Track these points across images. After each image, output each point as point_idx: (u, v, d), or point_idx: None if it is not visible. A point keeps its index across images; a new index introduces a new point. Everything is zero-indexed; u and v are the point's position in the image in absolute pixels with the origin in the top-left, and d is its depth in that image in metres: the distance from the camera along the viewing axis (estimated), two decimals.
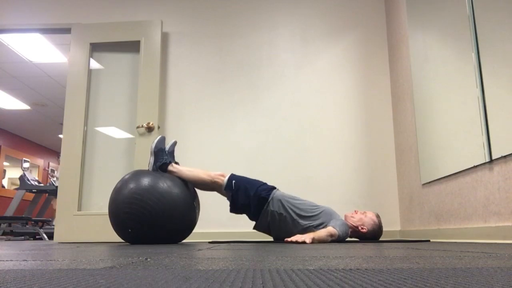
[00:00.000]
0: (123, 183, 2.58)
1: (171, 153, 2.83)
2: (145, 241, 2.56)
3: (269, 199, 2.70)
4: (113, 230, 3.51)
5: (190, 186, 2.74)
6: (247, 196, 2.69)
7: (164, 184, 2.55)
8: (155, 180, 2.55)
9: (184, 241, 3.40)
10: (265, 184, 2.80)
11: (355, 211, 2.86)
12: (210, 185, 2.75)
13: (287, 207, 2.70)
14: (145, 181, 2.54)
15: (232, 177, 2.76)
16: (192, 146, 3.85)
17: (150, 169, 2.71)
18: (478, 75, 2.30)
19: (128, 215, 2.48)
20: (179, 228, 2.60)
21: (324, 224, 2.67)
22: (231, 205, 2.75)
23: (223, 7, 4.12)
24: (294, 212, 2.70)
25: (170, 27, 4.09)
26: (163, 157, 2.73)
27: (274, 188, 2.78)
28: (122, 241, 3.48)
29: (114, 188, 2.64)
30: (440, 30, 2.81)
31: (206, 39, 4.06)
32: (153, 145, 2.75)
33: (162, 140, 2.80)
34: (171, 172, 2.70)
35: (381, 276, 0.65)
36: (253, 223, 2.82)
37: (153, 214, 2.47)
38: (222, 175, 2.77)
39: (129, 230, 2.50)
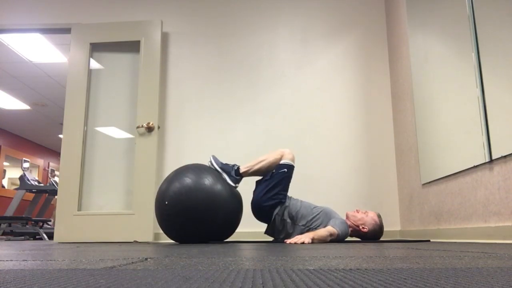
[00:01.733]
0: (182, 176, 2.65)
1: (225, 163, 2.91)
2: (193, 238, 2.63)
3: (282, 206, 2.75)
4: (112, 231, 3.51)
5: (236, 191, 2.81)
6: (273, 187, 2.73)
7: (211, 182, 2.63)
8: (199, 177, 2.63)
9: None
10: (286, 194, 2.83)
11: (356, 210, 2.86)
12: (278, 161, 2.80)
13: (288, 211, 2.73)
14: (205, 179, 2.63)
15: (290, 167, 2.78)
16: (192, 146, 3.85)
17: (232, 183, 2.75)
18: (478, 75, 2.30)
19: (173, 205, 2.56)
20: (225, 229, 2.69)
21: (323, 224, 2.68)
22: (265, 177, 2.79)
23: (223, 7, 4.12)
24: (294, 215, 2.72)
25: (170, 27, 4.09)
26: (230, 167, 2.79)
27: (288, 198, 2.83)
28: (122, 241, 3.48)
29: (168, 180, 2.71)
30: (440, 30, 2.81)
31: (206, 39, 4.06)
32: (215, 165, 2.80)
33: (216, 158, 2.87)
34: (245, 172, 2.78)
35: (381, 276, 0.65)
36: (255, 220, 2.83)
37: (199, 209, 2.54)
38: (281, 153, 2.82)
39: (166, 202, 2.54)
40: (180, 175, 2.65)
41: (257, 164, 2.80)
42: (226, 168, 2.78)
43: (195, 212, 2.53)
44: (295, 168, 2.84)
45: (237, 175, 2.76)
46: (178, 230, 2.61)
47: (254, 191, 2.80)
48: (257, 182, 2.84)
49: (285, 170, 2.76)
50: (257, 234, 3.47)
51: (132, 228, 3.49)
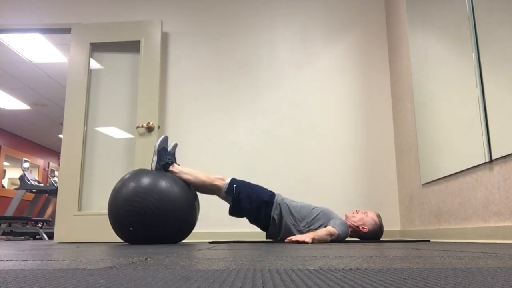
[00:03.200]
0: (123, 182, 2.58)
1: (173, 154, 2.83)
2: (146, 241, 2.56)
3: (274, 204, 2.71)
4: (113, 230, 3.51)
5: (191, 186, 2.74)
6: (249, 199, 2.69)
7: (165, 183, 2.55)
8: (156, 179, 2.55)
9: (184, 241, 3.40)
10: (265, 189, 2.80)
11: (356, 210, 2.86)
12: (209, 188, 2.74)
13: (287, 212, 2.72)
14: (146, 180, 2.54)
15: (233, 181, 2.75)
16: (192, 146, 3.85)
17: (154, 168, 2.70)
18: (478, 75, 2.30)
19: (130, 213, 2.48)
20: (179, 228, 2.59)
21: (323, 225, 2.68)
22: (231, 209, 2.74)
23: (223, 7, 4.12)
24: (294, 216, 2.72)
25: (170, 27, 4.09)
26: (166, 157, 2.73)
27: (274, 193, 2.80)
28: (122, 241, 3.48)
29: (114, 188, 2.63)
30: (440, 30, 2.81)
31: (206, 39, 4.06)
32: (157, 144, 2.75)
33: (165, 140, 2.80)
34: (172, 172, 2.70)
35: (381, 276, 0.65)
36: (252, 225, 2.83)
37: (155, 213, 2.47)
38: (222, 179, 2.76)
39: (131, 228, 2.50)
40: (136, 177, 2.59)
41: (187, 174, 2.69)
42: (162, 154, 2.72)
43: (148, 214, 2.47)
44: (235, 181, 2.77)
45: (164, 169, 2.69)
46: (133, 235, 2.56)
47: (249, 218, 2.77)
48: (237, 214, 2.76)
49: (235, 185, 2.71)
50: (257, 234, 3.47)
51: None
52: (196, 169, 2.88)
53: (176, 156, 3.82)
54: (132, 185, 2.53)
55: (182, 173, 2.70)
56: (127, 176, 2.64)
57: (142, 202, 2.47)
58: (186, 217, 2.60)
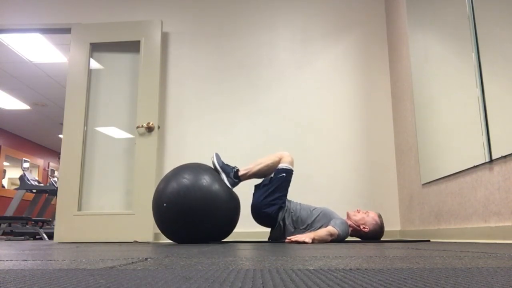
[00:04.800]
0: (166, 182, 2.64)
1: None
2: (191, 239, 2.62)
3: (282, 211, 2.74)
4: (112, 231, 3.51)
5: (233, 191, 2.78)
6: (273, 192, 2.71)
7: (209, 182, 2.61)
8: (197, 177, 2.62)
9: None
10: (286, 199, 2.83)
11: (357, 210, 2.86)
12: (277, 165, 2.78)
13: (289, 216, 2.74)
14: (187, 179, 2.61)
15: (288, 172, 2.77)
16: (192, 146, 3.85)
17: (229, 185, 2.73)
18: (478, 75, 2.30)
19: (176, 213, 2.55)
20: (224, 226, 2.66)
21: (323, 225, 2.68)
22: (264, 181, 2.78)
23: (223, 7, 4.12)
24: (294, 220, 2.73)
25: (170, 27, 4.09)
26: (230, 168, 2.77)
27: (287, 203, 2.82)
28: (122, 241, 3.48)
29: (157, 189, 2.70)
30: (440, 30, 2.81)
31: (206, 39, 4.06)
32: (216, 163, 2.78)
33: (219, 156, 2.85)
34: (244, 175, 2.76)
35: (381, 276, 0.65)
36: (253, 223, 2.83)
37: (198, 209, 2.52)
38: (281, 157, 2.81)
39: (164, 205, 2.53)
40: (177, 175, 2.64)
41: (255, 167, 2.78)
42: (226, 168, 2.77)
43: (193, 213, 2.53)
44: (294, 172, 2.84)
45: (236, 178, 2.74)
46: (176, 231, 2.61)
47: (254, 196, 2.79)
48: (256, 187, 2.82)
49: (284, 174, 2.74)
50: (257, 234, 3.47)
51: (132, 228, 3.49)
52: (254, 161, 2.90)
53: (177, 155, 3.84)
54: (173, 185, 2.59)
55: (252, 170, 2.77)
56: (169, 174, 2.71)
57: (184, 198, 2.53)
58: (231, 215, 2.68)
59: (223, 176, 2.73)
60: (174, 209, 2.54)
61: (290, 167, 2.78)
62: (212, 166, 2.80)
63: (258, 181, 2.88)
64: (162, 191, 2.62)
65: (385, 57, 3.96)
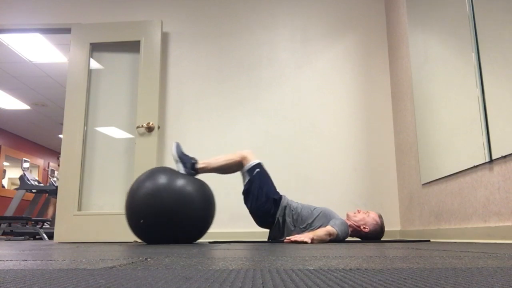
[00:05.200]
0: (139, 183, 2.59)
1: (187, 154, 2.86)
2: (162, 240, 2.57)
3: (280, 206, 2.72)
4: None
5: (206, 185, 2.75)
6: (261, 188, 2.71)
7: (181, 182, 2.57)
8: (171, 178, 2.57)
9: None
10: (276, 189, 2.81)
11: (357, 210, 2.86)
12: (237, 164, 2.77)
13: (290, 214, 2.73)
14: (162, 179, 2.56)
15: (259, 165, 2.77)
16: (192, 146, 3.85)
17: (185, 173, 2.70)
18: (478, 75, 2.30)
19: (147, 212, 2.50)
20: (196, 227, 2.61)
21: (322, 225, 2.68)
22: (245, 188, 2.77)
23: (223, 7, 4.12)
24: (295, 218, 2.73)
25: (170, 27, 4.09)
26: (188, 159, 2.74)
27: (281, 195, 2.81)
28: (122, 241, 3.48)
29: (131, 188, 2.64)
30: (440, 30, 2.81)
31: (206, 39, 4.06)
32: (174, 153, 2.76)
33: (179, 145, 2.82)
34: (202, 169, 2.73)
35: (381, 276, 0.65)
36: (253, 223, 2.83)
37: (169, 210, 2.48)
38: (246, 155, 2.80)
39: (141, 221, 2.51)
40: (146, 182, 2.59)
41: (215, 162, 2.76)
42: (184, 158, 2.73)
43: (168, 217, 2.48)
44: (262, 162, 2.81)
45: (193, 169, 2.70)
46: (153, 236, 2.58)
47: (246, 204, 2.77)
48: (244, 195, 2.78)
49: (258, 170, 2.74)
50: (257, 234, 3.47)
51: None
52: (215, 156, 2.88)
53: None
54: (148, 185, 2.54)
55: (210, 164, 2.75)
56: (142, 177, 2.65)
57: (157, 201, 2.48)
58: (202, 216, 2.62)
59: (180, 165, 2.71)
60: (149, 218, 2.50)
61: (257, 160, 2.78)
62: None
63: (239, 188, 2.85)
64: (134, 201, 2.57)
65: (385, 57, 3.96)
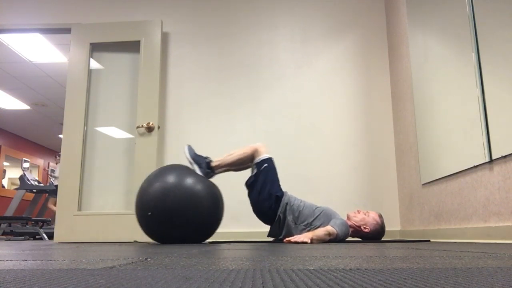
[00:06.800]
0: (149, 182, 2.61)
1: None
2: (172, 240, 2.58)
3: (281, 203, 2.72)
4: (112, 231, 3.51)
5: (215, 186, 2.75)
6: (264, 184, 2.71)
7: (190, 181, 2.58)
8: (180, 177, 2.59)
9: None
10: (279, 186, 2.82)
11: (357, 210, 2.86)
12: (250, 158, 2.78)
13: (290, 211, 2.73)
14: (171, 178, 2.57)
15: (268, 160, 2.76)
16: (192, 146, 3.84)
17: (202, 175, 2.70)
18: (478, 75, 2.30)
19: (156, 211, 2.52)
20: (205, 226, 2.62)
21: (322, 225, 2.68)
22: (249, 180, 2.77)
23: (223, 7, 4.12)
24: (296, 216, 2.73)
25: (170, 27, 4.09)
26: (203, 160, 2.76)
27: (283, 192, 2.81)
28: (122, 241, 3.48)
29: (141, 187, 2.67)
30: (440, 30, 2.81)
31: (206, 39, 4.06)
32: (188, 155, 2.77)
33: (191, 147, 2.84)
34: (217, 167, 2.74)
35: (381, 276, 0.65)
36: (254, 220, 2.83)
37: (180, 210, 2.49)
38: (259, 149, 2.80)
39: (149, 213, 2.51)
40: (159, 178, 2.61)
41: (228, 157, 2.77)
42: (198, 159, 2.74)
43: (176, 215, 2.50)
44: (273, 158, 2.82)
45: (208, 168, 2.72)
46: (161, 234, 2.59)
47: (249, 197, 2.78)
48: (248, 187, 2.80)
49: (266, 165, 2.75)
50: (257, 234, 3.47)
51: (132, 228, 3.49)
52: (229, 152, 2.88)
53: (177, 155, 3.83)
54: (158, 184, 2.56)
55: (224, 161, 2.76)
56: (152, 175, 2.68)
57: (169, 199, 2.51)
58: (211, 215, 2.64)
59: (196, 167, 2.72)
60: (159, 215, 2.52)
61: (267, 155, 2.79)
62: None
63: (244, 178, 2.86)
64: (145, 196, 2.58)
65: (385, 57, 3.96)
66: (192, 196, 2.54)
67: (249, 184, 2.78)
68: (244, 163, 2.80)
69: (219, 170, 2.77)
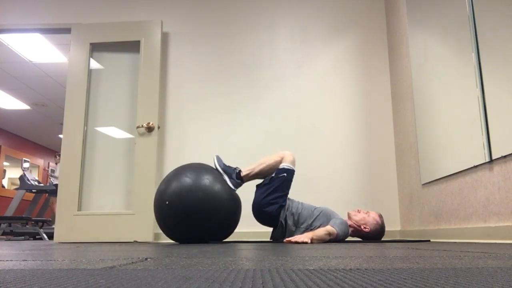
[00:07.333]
0: (166, 183, 2.65)
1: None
2: (192, 239, 2.63)
3: (282, 210, 2.73)
4: (112, 231, 3.51)
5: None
6: (273, 191, 2.72)
7: (211, 182, 2.62)
8: (199, 177, 2.63)
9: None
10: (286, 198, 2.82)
11: (358, 210, 2.86)
12: (279, 164, 2.79)
13: (290, 214, 2.74)
14: (188, 179, 2.61)
15: (290, 171, 2.77)
16: (192, 146, 3.85)
17: (232, 186, 2.72)
18: (478, 75, 2.30)
19: (176, 212, 2.56)
20: (225, 225, 2.66)
21: (322, 225, 2.69)
22: (264, 181, 2.79)
23: (223, 7, 4.12)
24: (296, 218, 2.74)
25: (170, 27, 4.09)
26: (232, 170, 2.77)
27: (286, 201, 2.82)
28: (122, 241, 3.48)
29: (158, 189, 2.70)
30: (440, 30, 2.81)
31: (206, 39, 4.06)
32: (218, 166, 2.78)
33: (220, 158, 2.85)
34: (246, 175, 2.76)
35: (381, 276, 0.65)
36: (255, 220, 2.83)
37: (199, 208, 2.53)
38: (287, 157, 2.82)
39: (167, 203, 2.54)
40: (179, 175, 2.65)
41: (258, 167, 2.79)
42: (227, 170, 2.76)
43: (195, 212, 2.53)
44: (295, 171, 2.84)
45: (238, 179, 2.74)
46: (178, 230, 2.61)
47: (255, 195, 2.80)
48: (257, 186, 2.82)
49: (285, 174, 2.75)
50: (257, 234, 3.47)
51: (132, 228, 3.49)
52: (256, 161, 2.89)
53: (177, 155, 3.84)
54: (175, 184, 2.59)
55: (253, 170, 2.78)
56: (169, 175, 2.71)
57: (188, 200, 2.54)
58: (232, 214, 2.68)
59: (226, 177, 2.73)
60: (176, 209, 2.54)
61: (292, 166, 2.78)
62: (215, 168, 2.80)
63: (260, 181, 2.88)
64: (164, 190, 2.62)
65: (385, 57, 3.96)
66: (214, 197, 2.59)
67: (261, 184, 2.80)
68: (272, 171, 2.80)
69: (248, 179, 2.79)
